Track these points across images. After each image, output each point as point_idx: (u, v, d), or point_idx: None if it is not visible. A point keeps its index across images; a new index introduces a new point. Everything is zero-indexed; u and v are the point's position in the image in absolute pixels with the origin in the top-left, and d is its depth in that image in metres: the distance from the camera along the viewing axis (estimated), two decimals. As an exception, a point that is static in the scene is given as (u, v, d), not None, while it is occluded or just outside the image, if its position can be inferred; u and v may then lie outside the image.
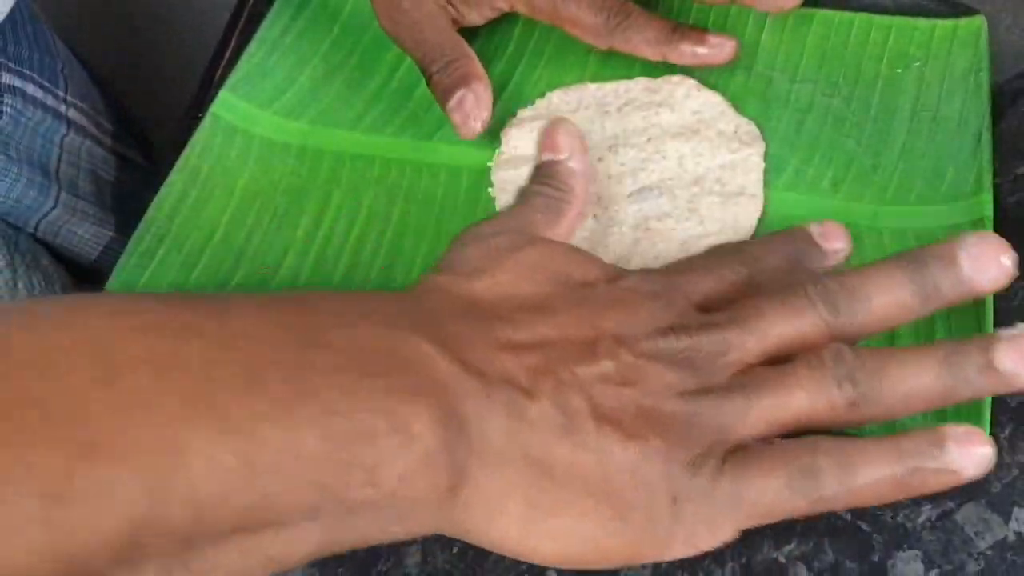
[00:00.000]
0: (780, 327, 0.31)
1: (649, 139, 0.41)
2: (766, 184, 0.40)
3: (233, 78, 0.45)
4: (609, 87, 0.43)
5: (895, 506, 0.32)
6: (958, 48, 0.43)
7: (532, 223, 0.35)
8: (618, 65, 0.44)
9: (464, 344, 0.29)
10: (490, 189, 0.41)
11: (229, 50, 0.48)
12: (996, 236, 0.31)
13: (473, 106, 0.40)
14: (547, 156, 0.37)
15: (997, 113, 0.40)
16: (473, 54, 0.42)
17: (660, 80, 0.43)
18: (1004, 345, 0.29)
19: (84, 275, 0.55)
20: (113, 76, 0.64)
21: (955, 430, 0.29)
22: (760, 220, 0.39)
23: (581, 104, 0.43)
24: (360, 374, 0.28)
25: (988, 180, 0.39)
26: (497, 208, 0.41)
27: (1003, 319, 0.34)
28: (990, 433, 0.31)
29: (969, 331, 0.35)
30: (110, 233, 0.56)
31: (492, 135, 0.42)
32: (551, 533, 0.29)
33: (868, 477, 0.29)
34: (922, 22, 0.44)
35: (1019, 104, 0.40)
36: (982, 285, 0.30)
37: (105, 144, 0.58)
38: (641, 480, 0.29)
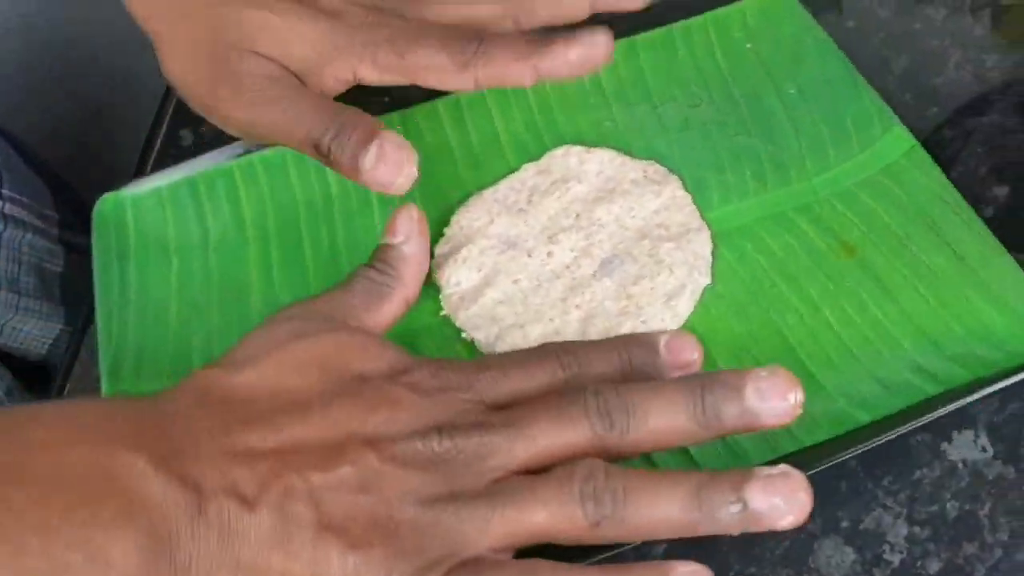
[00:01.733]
0: (551, 436, 0.30)
1: (577, 215, 0.40)
2: (703, 210, 0.41)
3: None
4: (502, 186, 0.42)
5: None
6: (775, 16, 0.46)
7: (349, 308, 0.35)
8: (490, 158, 0.43)
9: (188, 455, 0.29)
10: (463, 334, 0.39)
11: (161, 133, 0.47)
12: (788, 374, 0.30)
13: (395, 150, 0.37)
14: (384, 240, 0.37)
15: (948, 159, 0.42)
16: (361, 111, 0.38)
17: (545, 159, 0.42)
18: (757, 485, 0.29)
19: (32, 371, 0.52)
20: (60, 161, 0.60)
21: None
22: (713, 246, 0.39)
23: (491, 212, 0.41)
24: (62, 506, 0.27)
25: (890, 115, 0.41)
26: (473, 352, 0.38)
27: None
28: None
29: None
30: (59, 327, 0.52)
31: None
32: None
33: None
34: (730, 8, 0.46)
35: (971, 144, 0.42)
36: (767, 420, 0.30)
37: (50, 235, 0.54)
38: None
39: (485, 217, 0.41)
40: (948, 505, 0.34)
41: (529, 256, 0.40)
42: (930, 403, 0.34)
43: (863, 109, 0.42)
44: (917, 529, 0.34)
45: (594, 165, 0.42)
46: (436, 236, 0.41)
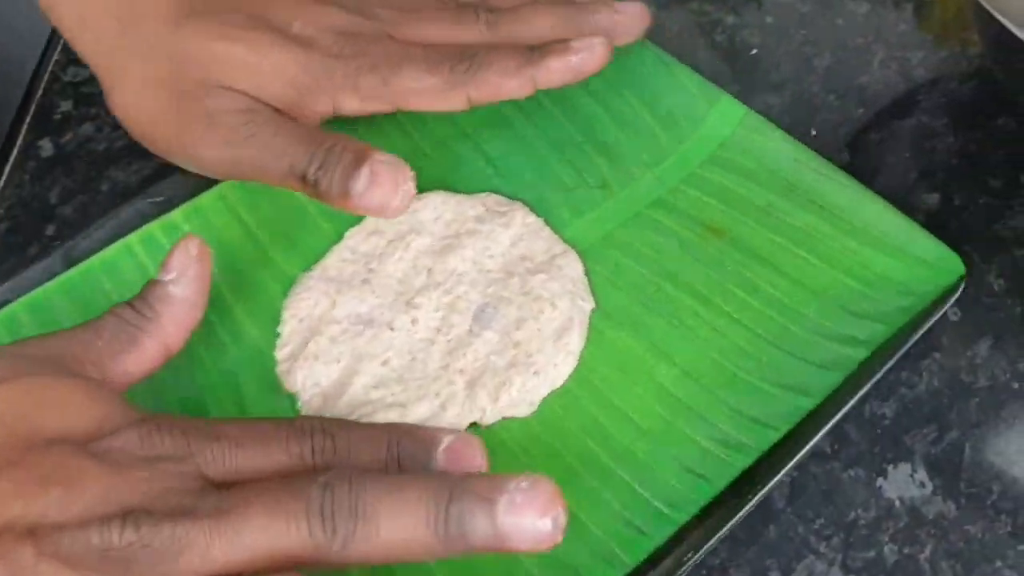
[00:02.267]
0: (258, 535, 0.25)
1: (429, 271, 0.36)
2: (558, 230, 0.37)
3: None
4: (330, 261, 0.36)
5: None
6: None
7: (91, 350, 0.29)
8: (304, 233, 0.37)
9: None
10: None
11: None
12: (551, 487, 0.25)
13: (389, 170, 0.33)
14: (158, 276, 0.32)
15: (875, 165, 0.40)
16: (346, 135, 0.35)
17: (369, 219, 0.37)
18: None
19: None
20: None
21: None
22: (584, 265, 0.36)
23: (329, 293, 0.35)
24: None
25: (714, 89, 0.39)
26: None
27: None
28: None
29: None
30: None
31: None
32: None
33: None
34: None
35: (898, 149, 0.40)
36: (518, 544, 0.25)
37: None
38: None
39: (324, 301, 0.35)
40: (886, 549, 0.31)
41: (392, 330, 0.34)
42: (867, 367, 0.32)
43: (682, 89, 0.40)
44: (853, 578, 0.31)
45: (428, 212, 0.37)
46: (271, 339, 0.35)
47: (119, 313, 0.31)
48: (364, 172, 0.33)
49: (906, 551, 0.31)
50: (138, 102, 0.37)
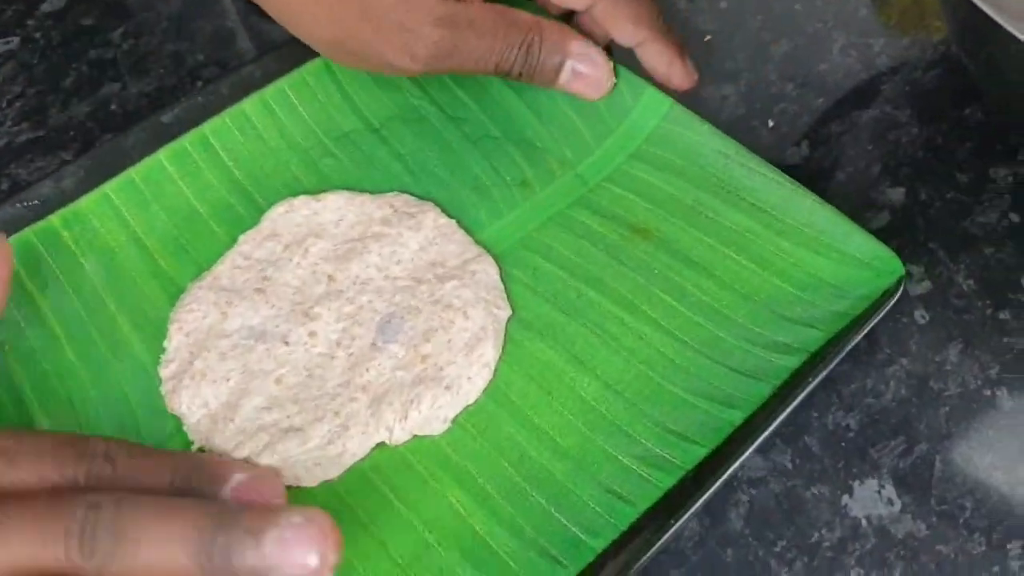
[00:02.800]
0: (12, 550, 0.24)
1: (329, 278, 0.33)
2: (474, 233, 0.34)
3: None
4: (223, 268, 0.33)
5: None
6: None
7: None
8: (194, 238, 0.34)
9: None
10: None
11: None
12: (325, 522, 0.24)
13: (591, 68, 0.35)
14: None
15: (835, 159, 0.37)
16: (542, 19, 0.35)
17: (265, 222, 0.34)
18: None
19: None
20: None
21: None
22: (500, 270, 0.33)
23: (219, 304, 0.32)
24: None
25: (639, 81, 0.37)
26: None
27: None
28: None
29: None
30: None
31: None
32: None
33: None
34: None
35: (860, 141, 0.38)
36: (282, 572, 0.24)
37: None
38: None
39: (214, 312, 0.32)
40: (852, 573, 0.29)
41: (287, 344, 0.31)
42: (800, 376, 0.30)
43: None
44: (817, 606, 0.28)
45: (330, 214, 0.34)
46: (156, 354, 0.32)
47: None
48: (566, 68, 0.35)
49: (874, 574, 0.29)
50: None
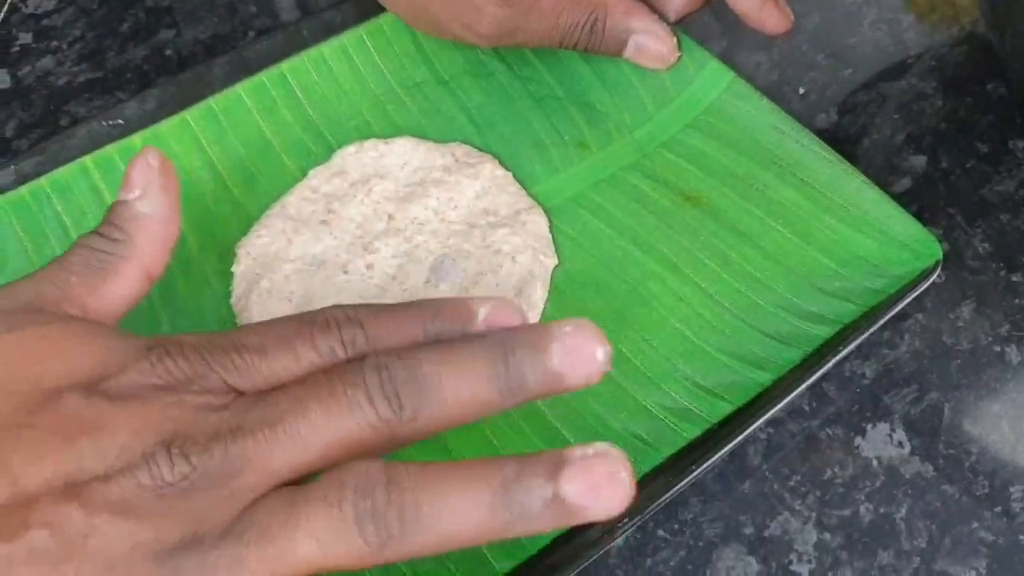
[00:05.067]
0: (323, 432, 0.24)
1: (390, 217, 0.35)
2: (528, 187, 0.36)
3: None
4: (291, 199, 0.35)
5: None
6: None
7: (64, 288, 0.26)
8: (266, 169, 0.36)
9: None
10: None
11: None
12: (593, 328, 0.25)
13: (655, 43, 0.37)
14: (119, 196, 0.29)
15: (863, 126, 0.39)
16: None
17: (336, 159, 0.36)
18: (571, 472, 0.23)
19: None
20: None
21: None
22: (550, 222, 0.35)
23: (286, 232, 0.34)
24: None
25: (703, 52, 0.38)
26: None
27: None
28: None
29: None
30: None
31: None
32: None
33: None
34: None
35: (886, 110, 0.39)
36: (571, 382, 0.25)
37: None
38: None
39: (280, 239, 0.34)
40: (862, 508, 0.31)
41: (346, 272, 0.33)
42: (830, 345, 0.31)
43: None
44: (828, 536, 0.30)
45: (395, 158, 0.36)
46: (226, 277, 0.34)
47: (87, 243, 0.27)
48: (630, 45, 0.37)
49: (882, 510, 0.30)
50: None
